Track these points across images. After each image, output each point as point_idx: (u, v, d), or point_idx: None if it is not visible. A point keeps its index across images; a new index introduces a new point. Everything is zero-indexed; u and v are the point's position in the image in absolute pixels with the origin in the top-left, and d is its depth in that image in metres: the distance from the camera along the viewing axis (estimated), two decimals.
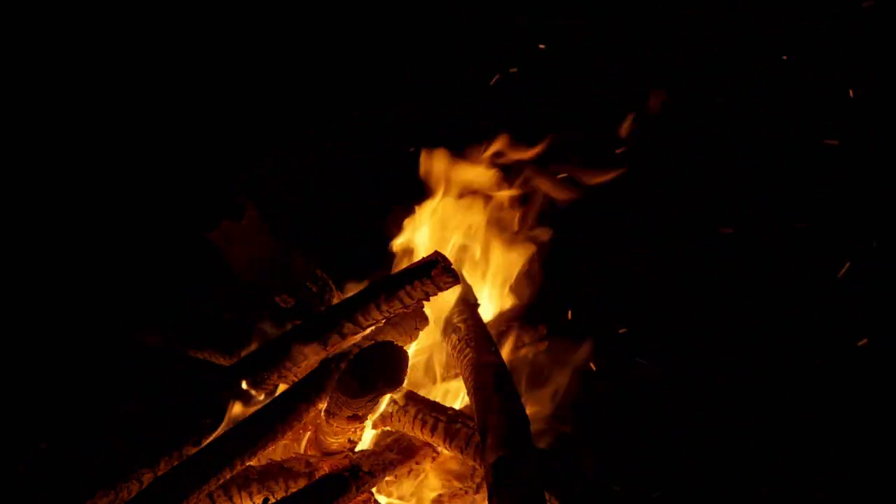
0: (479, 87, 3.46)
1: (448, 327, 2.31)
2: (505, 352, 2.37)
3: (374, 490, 2.08)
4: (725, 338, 2.95)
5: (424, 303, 2.25)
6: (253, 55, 3.56)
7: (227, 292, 2.85)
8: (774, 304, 3.05)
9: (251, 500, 2.01)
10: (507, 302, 2.57)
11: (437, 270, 2.13)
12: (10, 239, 3.11)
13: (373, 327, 2.21)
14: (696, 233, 3.21)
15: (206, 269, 2.91)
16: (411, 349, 2.32)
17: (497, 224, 2.52)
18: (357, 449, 2.13)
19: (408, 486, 2.20)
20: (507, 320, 2.57)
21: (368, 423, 2.07)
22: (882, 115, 3.19)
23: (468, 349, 2.21)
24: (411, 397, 2.17)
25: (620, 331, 2.87)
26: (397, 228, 2.48)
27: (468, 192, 2.48)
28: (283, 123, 3.53)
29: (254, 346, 2.42)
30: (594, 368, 2.53)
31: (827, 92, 3.25)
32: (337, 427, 2.01)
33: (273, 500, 1.96)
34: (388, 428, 2.19)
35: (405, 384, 2.02)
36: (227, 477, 1.89)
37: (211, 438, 2.01)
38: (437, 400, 2.22)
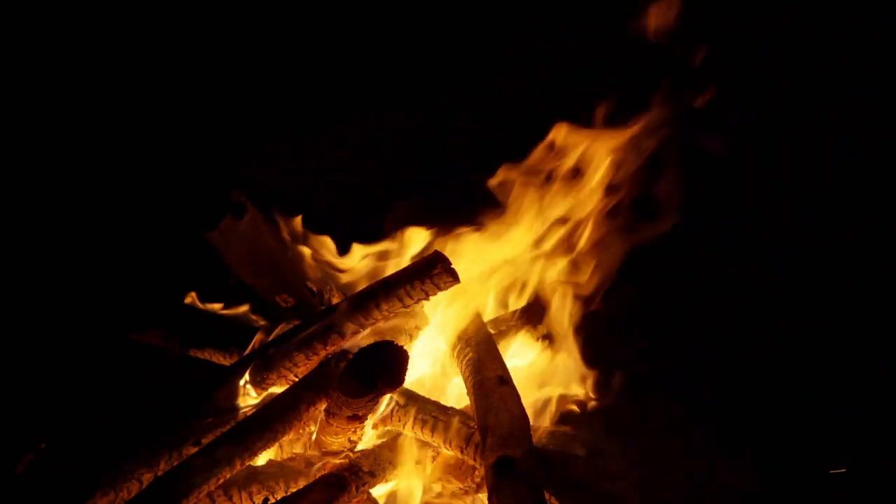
0: (477, 86, 3.46)
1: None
2: (505, 352, 2.37)
3: (371, 491, 2.08)
4: (724, 337, 2.95)
5: (424, 303, 2.25)
6: (253, 55, 3.56)
7: (227, 292, 2.85)
8: (771, 304, 3.05)
9: (251, 500, 2.01)
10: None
11: (437, 270, 2.12)
12: (10, 239, 3.11)
13: (373, 327, 2.21)
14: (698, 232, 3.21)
15: (206, 269, 2.90)
16: (411, 349, 2.32)
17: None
18: (357, 449, 2.13)
19: (407, 486, 2.20)
20: (507, 320, 2.57)
21: (368, 423, 2.07)
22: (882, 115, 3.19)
23: (468, 349, 2.21)
24: (411, 397, 2.17)
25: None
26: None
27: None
28: (283, 123, 3.52)
29: (254, 346, 2.42)
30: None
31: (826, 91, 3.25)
32: (337, 427, 2.01)
33: (273, 500, 1.96)
34: (388, 428, 2.19)
35: (405, 384, 2.01)
36: (227, 477, 1.89)
37: (211, 438, 2.01)
38: (437, 400, 2.22)
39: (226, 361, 2.55)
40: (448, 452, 2.11)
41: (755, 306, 3.04)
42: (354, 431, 2.05)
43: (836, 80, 3.24)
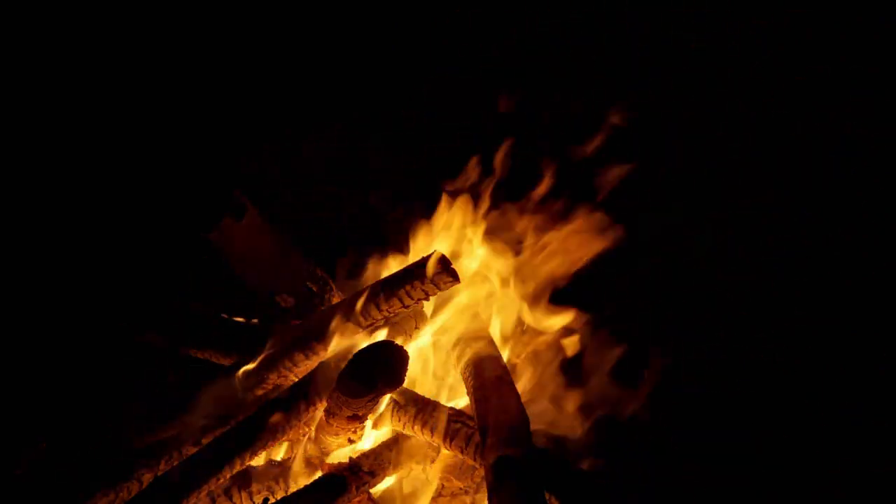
0: (478, 85, 3.46)
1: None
2: (505, 352, 2.37)
3: (371, 491, 2.08)
4: (725, 337, 2.95)
5: (424, 302, 2.25)
6: (254, 54, 3.56)
7: (227, 292, 2.85)
8: (771, 304, 3.05)
9: (251, 500, 2.01)
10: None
11: (438, 270, 2.13)
12: (11, 239, 3.11)
13: (373, 327, 2.21)
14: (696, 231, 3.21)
15: (206, 269, 2.90)
16: (411, 349, 2.32)
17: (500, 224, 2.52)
18: (357, 449, 2.13)
19: (407, 485, 2.20)
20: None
21: (368, 423, 2.07)
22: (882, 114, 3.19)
23: (468, 349, 2.21)
24: (411, 397, 2.17)
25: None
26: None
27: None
28: (283, 123, 3.52)
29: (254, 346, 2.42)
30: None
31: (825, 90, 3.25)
32: (337, 427, 2.01)
33: (273, 500, 1.96)
34: (387, 427, 2.19)
35: (405, 384, 2.02)
36: (227, 477, 1.90)
37: (211, 438, 2.01)
38: (437, 400, 2.22)
39: (226, 361, 2.55)
40: (448, 452, 2.11)
41: (755, 306, 3.04)
42: (354, 431, 2.05)
43: (837, 80, 3.24)
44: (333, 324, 2.17)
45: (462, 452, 2.04)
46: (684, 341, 2.88)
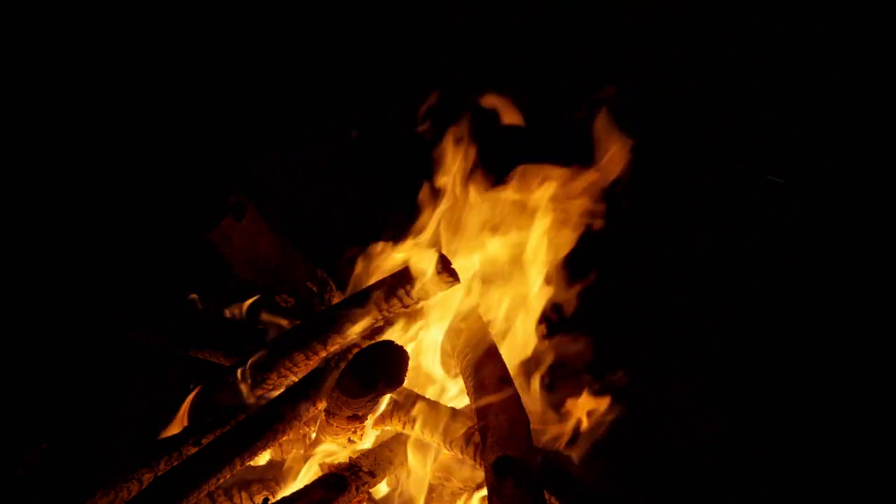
0: (479, 86, 3.45)
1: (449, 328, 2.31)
2: (505, 352, 2.37)
3: (372, 491, 2.08)
4: (726, 337, 2.95)
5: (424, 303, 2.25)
6: (253, 55, 3.56)
7: (227, 292, 2.85)
8: (771, 304, 3.05)
9: (251, 500, 2.01)
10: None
11: (438, 269, 2.12)
12: (11, 239, 3.11)
13: (373, 326, 2.21)
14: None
15: (206, 269, 2.91)
16: (411, 349, 2.32)
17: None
18: (357, 449, 2.13)
19: (407, 485, 2.20)
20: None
21: (369, 422, 2.07)
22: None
23: (468, 349, 2.21)
24: (411, 397, 2.17)
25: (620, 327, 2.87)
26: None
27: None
28: (283, 123, 3.53)
29: (254, 346, 2.42)
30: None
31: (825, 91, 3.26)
32: (337, 427, 2.01)
33: (273, 500, 1.96)
34: (387, 427, 2.19)
35: (405, 384, 2.02)
36: (227, 476, 1.90)
37: (211, 438, 2.01)
38: (437, 400, 2.22)
39: (226, 362, 2.55)
40: (448, 453, 2.11)
41: (755, 306, 3.05)
42: (354, 431, 2.05)
43: (836, 79, 3.24)
44: (333, 324, 2.16)
45: (462, 452, 2.03)
46: (684, 341, 2.88)
